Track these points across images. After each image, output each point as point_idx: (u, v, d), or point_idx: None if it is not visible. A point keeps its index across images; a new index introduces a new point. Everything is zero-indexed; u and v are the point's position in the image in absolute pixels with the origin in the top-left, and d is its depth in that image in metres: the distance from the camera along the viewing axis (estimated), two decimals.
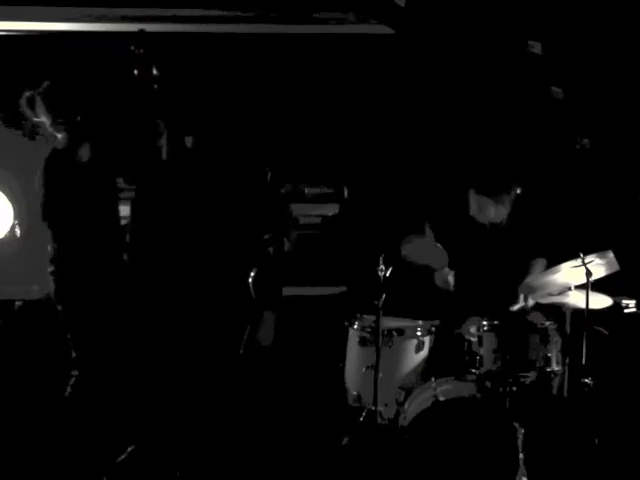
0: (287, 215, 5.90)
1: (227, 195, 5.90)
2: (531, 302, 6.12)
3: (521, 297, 6.11)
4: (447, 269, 6.20)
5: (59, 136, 5.59)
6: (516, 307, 6.11)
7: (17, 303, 6.73)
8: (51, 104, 5.54)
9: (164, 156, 5.71)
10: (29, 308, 6.71)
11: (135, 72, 5.71)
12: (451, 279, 6.20)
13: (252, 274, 5.63)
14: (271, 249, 5.62)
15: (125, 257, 5.66)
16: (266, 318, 5.84)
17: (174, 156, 5.75)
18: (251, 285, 5.60)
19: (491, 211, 6.20)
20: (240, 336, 5.86)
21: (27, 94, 5.59)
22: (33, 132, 5.67)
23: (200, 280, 5.93)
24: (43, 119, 5.57)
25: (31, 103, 5.57)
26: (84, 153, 5.60)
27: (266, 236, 5.66)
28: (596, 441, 5.62)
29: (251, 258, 5.61)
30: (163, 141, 5.66)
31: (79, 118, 5.56)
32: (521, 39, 7.11)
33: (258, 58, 7.12)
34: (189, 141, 5.88)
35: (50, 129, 5.58)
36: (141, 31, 5.80)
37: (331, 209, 7.08)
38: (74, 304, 5.58)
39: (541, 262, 6.24)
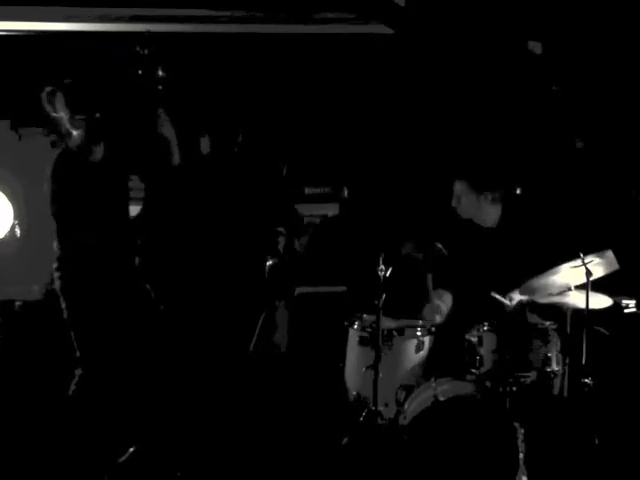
0: (293, 215, 5.88)
1: (242, 189, 5.87)
2: (516, 300, 6.08)
3: (507, 297, 6.07)
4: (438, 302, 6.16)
5: (74, 133, 5.61)
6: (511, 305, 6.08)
7: (17, 303, 6.73)
8: (71, 100, 5.56)
9: (175, 155, 5.70)
10: (29, 308, 6.71)
11: (140, 73, 5.72)
12: (438, 317, 6.14)
13: (269, 263, 5.61)
14: (281, 245, 5.60)
15: (136, 257, 5.66)
16: (280, 322, 5.83)
17: (187, 155, 5.74)
18: (267, 274, 5.58)
19: (471, 202, 6.15)
20: (250, 334, 5.83)
21: (48, 89, 5.61)
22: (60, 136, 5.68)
23: (213, 276, 5.91)
24: (62, 114, 5.59)
25: (51, 98, 5.59)
26: (97, 151, 5.62)
27: (279, 229, 5.65)
28: (596, 441, 5.62)
29: (266, 248, 5.59)
30: (171, 136, 5.65)
31: (97, 116, 5.58)
32: (521, 39, 7.11)
33: (258, 58, 7.13)
34: (204, 143, 5.87)
35: (67, 125, 5.60)
36: (147, 32, 5.81)
37: (331, 209, 7.08)
38: (80, 302, 5.58)
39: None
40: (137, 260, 5.60)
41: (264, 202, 5.62)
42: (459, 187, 6.20)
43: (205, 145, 5.93)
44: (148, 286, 5.52)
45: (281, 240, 5.60)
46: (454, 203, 6.22)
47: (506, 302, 6.04)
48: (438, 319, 6.15)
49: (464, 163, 6.38)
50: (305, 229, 5.98)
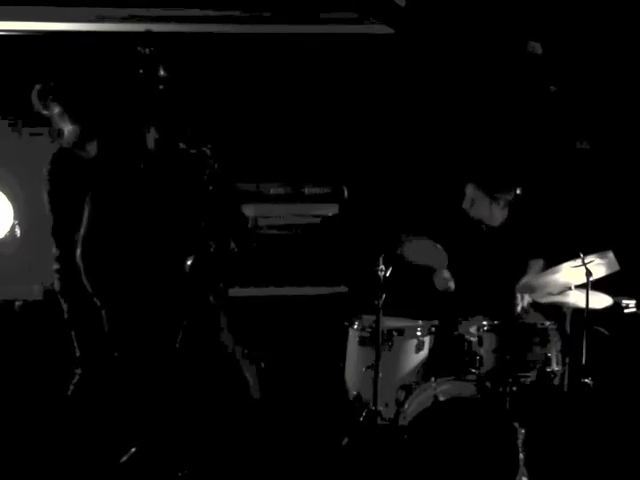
0: (238, 215, 5.74)
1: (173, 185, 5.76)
2: (527, 300, 6.14)
3: (518, 297, 6.13)
4: (447, 272, 6.21)
5: (66, 132, 5.59)
6: (519, 309, 6.13)
7: (17, 303, 6.73)
8: (63, 97, 5.53)
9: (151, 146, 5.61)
10: (29, 308, 6.71)
11: (141, 72, 5.68)
12: (451, 284, 6.21)
13: (189, 262, 5.50)
14: (212, 244, 5.49)
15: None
16: (250, 375, 5.77)
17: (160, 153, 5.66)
18: (187, 271, 5.47)
19: (484, 207, 6.23)
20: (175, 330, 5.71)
21: (38, 86, 5.58)
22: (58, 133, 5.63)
23: (136, 271, 5.78)
24: (54, 112, 5.56)
25: (42, 95, 5.56)
26: (91, 150, 5.59)
27: (209, 231, 5.53)
28: (596, 441, 5.62)
29: (188, 246, 5.47)
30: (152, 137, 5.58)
31: (89, 113, 5.55)
32: (521, 39, 7.11)
33: (258, 58, 7.13)
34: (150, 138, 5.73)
35: (59, 123, 5.58)
36: (148, 31, 5.79)
37: (331, 209, 7.07)
38: (80, 302, 5.58)
39: (539, 263, 6.26)
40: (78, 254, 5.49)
41: (190, 199, 5.51)
42: (472, 191, 6.25)
43: (151, 140, 5.79)
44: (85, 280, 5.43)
45: (208, 238, 5.51)
46: (465, 205, 6.27)
47: (517, 305, 6.10)
48: (452, 286, 6.17)
49: (477, 167, 6.42)
50: (250, 231, 5.86)
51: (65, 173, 5.55)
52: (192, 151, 5.48)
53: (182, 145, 5.46)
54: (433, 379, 5.76)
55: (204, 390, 6.07)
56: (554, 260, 6.05)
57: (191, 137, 5.53)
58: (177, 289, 5.38)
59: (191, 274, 5.36)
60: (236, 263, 5.55)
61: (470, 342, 5.86)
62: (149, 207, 5.37)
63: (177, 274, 5.37)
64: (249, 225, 5.70)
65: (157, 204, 5.38)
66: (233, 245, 5.48)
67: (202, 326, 5.45)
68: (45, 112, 5.58)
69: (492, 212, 6.26)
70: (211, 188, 5.44)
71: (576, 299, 5.91)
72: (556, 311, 6.13)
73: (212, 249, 5.39)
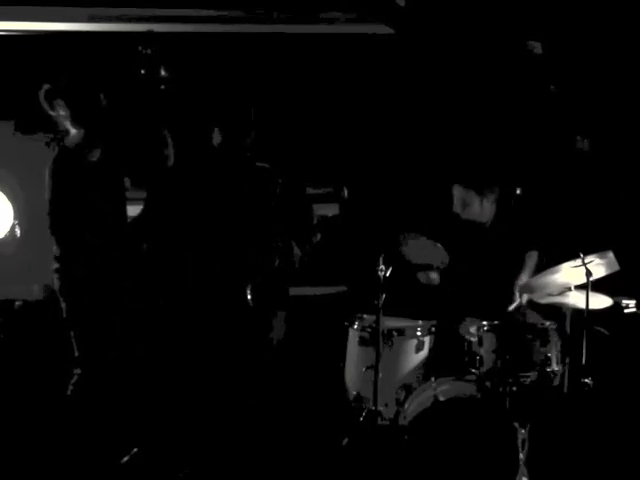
0: (308, 218, 5.81)
1: (231, 201, 5.84)
2: (525, 298, 6.15)
3: (516, 295, 6.15)
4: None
5: (72, 132, 5.58)
6: (513, 306, 6.14)
7: (17, 303, 6.73)
8: (69, 98, 5.53)
9: (170, 161, 5.67)
10: (29, 308, 6.71)
11: (142, 72, 5.69)
12: (434, 275, 6.23)
13: (249, 289, 5.56)
14: (277, 259, 5.55)
15: (144, 248, 5.63)
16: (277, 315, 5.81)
17: (182, 159, 5.71)
18: (250, 299, 5.54)
19: (475, 206, 6.23)
20: (241, 339, 5.81)
21: (46, 86, 5.57)
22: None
23: (201, 284, 5.88)
24: (61, 113, 5.56)
25: (49, 96, 5.56)
26: (95, 152, 5.59)
27: (274, 244, 5.58)
28: (596, 441, 5.62)
29: (248, 272, 5.54)
30: (169, 148, 5.63)
31: (96, 115, 5.56)
32: (521, 39, 7.11)
33: (259, 58, 7.13)
34: (217, 138, 5.82)
35: (65, 124, 5.57)
36: (149, 32, 5.80)
37: (331, 209, 7.08)
38: (79, 302, 5.58)
39: (534, 255, 6.27)
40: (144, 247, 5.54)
41: (251, 218, 5.59)
42: (460, 192, 6.24)
43: (217, 137, 5.86)
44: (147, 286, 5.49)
45: (275, 254, 5.56)
46: (456, 209, 6.26)
47: (519, 302, 6.12)
48: (436, 278, 6.18)
49: (464, 166, 6.42)
50: (313, 231, 5.92)
51: (67, 173, 5.56)
52: (260, 165, 5.55)
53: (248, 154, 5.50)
54: (433, 379, 5.76)
55: (205, 391, 6.09)
56: (548, 251, 6.06)
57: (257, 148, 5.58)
58: (240, 321, 5.43)
59: (255, 305, 5.40)
60: (300, 264, 5.61)
61: (470, 342, 5.86)
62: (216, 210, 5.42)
63: (239, 306, 5.41)
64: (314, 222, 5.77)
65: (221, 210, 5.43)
66: (296, 250, 5.52)
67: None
68: (51, 112, 5.58)
69: (483, 209, 6.26)
70: (279, 200, 5.49)
71: (576, 300, 5.91)
72: (556, 311, 6.13)
73: (276, 263, 5.43)
